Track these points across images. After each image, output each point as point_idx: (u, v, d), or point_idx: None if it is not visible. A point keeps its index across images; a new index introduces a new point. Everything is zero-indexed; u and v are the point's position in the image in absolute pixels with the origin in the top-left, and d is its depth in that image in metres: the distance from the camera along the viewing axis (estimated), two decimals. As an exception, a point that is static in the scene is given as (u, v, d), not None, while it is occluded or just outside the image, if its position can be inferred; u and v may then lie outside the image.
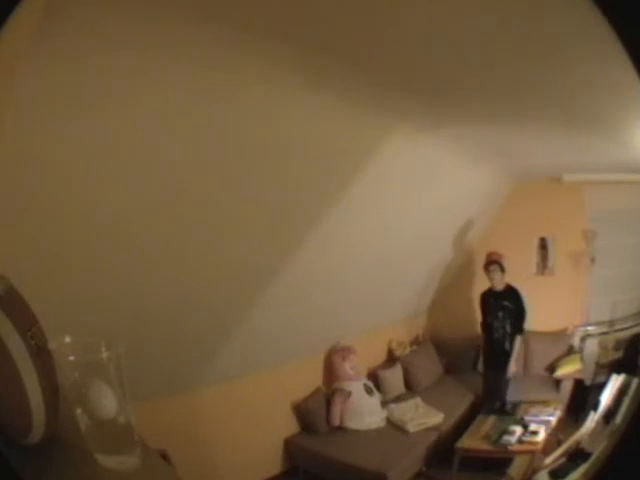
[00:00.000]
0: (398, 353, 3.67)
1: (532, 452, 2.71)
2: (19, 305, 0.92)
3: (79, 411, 0.93)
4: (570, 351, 3.25)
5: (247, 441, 2.85)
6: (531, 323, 3.30)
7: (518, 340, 3.24)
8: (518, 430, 2.85)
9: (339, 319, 3.23)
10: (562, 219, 3.28)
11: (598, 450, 1.72)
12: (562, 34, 1.61)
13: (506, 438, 2.81)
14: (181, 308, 2.31)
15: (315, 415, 3.14)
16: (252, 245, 2.39)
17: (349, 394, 3.22)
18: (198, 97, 1.75)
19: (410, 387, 3.55)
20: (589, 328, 3.20)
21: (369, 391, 3.31)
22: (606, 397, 2.36)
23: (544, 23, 1.55)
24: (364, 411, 3.21)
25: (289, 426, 3.15)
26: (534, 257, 3.45)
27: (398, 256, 3.24)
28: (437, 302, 3.87)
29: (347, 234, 2.81)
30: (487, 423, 3.02)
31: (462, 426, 3.07)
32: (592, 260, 3.17)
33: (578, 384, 3.08)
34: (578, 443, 2.34)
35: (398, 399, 3.41)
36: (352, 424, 3.17)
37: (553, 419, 2.91)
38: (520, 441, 2.79)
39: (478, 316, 3.38)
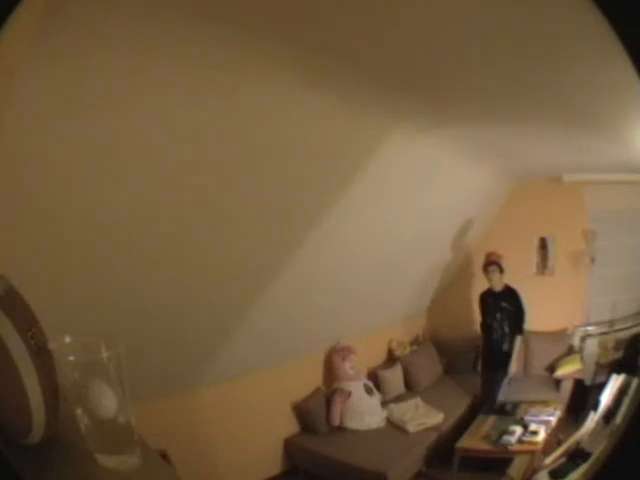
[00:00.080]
0: (398, 353, 3.67)
1: (532, 452, 2.71)
2: (19, 305, 0.92)
3: (79, 411, 0.93)
4: (570, 351, 3.26)
5: (247, 441, 2.85)
6: (531, 323, 3.30)
7: (518, 341, 3.24)
8: (518, 430, 2.85)
9: (339, 319, 3.23)
10: (562, 219, 3.28)
11: (598, 450, 1.72)
12: (562, 34, 1.61)
13: (506, 438, 2.81)
14: (181, 308, 2.31)
15: (315, 415, 3.14)
16: (252, 245, 2.39)
17: (349, 394, 3.22)
18: (198, 97, 1.75)
19: (410, 387, 3.55)
20: (589, 328, 3.20)
21: (369, 391, 3.31)
22: (606, 397, 2.36)
23: (544, 23, 1.56)
24: (364, 411, 3.21)
25: (289, 426, 3.15)
26: (534, 257, 3.45)
27: (398, 256, 3.24)
28: (437, 302, 3.87)
29: (347, 234, 2.81)
30: (487, 423, 3.02)
31: (462, 426, 3.07)
32: (592, 260, 3.17)
33: (578, 384, 3.08)
34: (578, 443, 2.34)
35: (398, 399, 3.41)
36: (352, 424, 3.17)
37: (553, 419, 2.91)
38: (520, 441, 2.79)
39: (478, 316, 3.38)
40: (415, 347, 3.76)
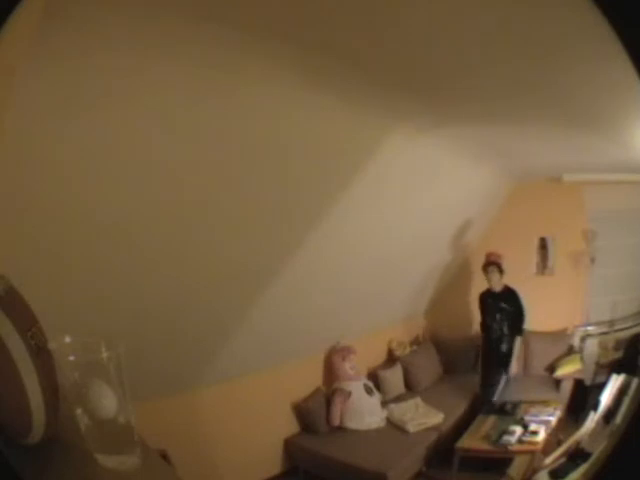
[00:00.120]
0: (398, 353, 3.67)
1: (532, 452, 2.71)
2: (19, 305, 0.92)
3: (79, 411, 0.93)
4: (570, 351, 3.25)
5: (247, 441, 2.85)
6: (531, 323, 3.30)
7: (518, 342, 3.24)
8: (518, 430, 2.85)
9: (339, 319, 3.23)
10: (562, 219, 3.28)
11: (598, 450, 1.72)
12: (562, 34, 1.61)
13: (506, 438, 2.81)
14: (181, 308, 2.31)
15: (315, 415, 3.14)
16: (252, 245, 2.39)
17: (349, 394, 3.22)
18: (198, 97, 1.75)
19: (410, 387, 3.55)
20: (589, 328, 3.20)
21: (369, 391, 3.31)
22: (606, 397, 2.36)
23: (544, 23, 1.56)
24: (364, 411, 3.21)
25: (289, 426, 3.15)
26: (534, 257, 3.45)
27: (398, 256, 3.24)
28: (437, 302, 3.87)
29: (347, 234, 2.81)
30: (487, 423, 3.02)
31: (462, 426, 3.07)
32: (592, 260, 3.17)
33: (578, 384, 3.08)
34: (578, 443, 2.34)
35: (398, 399, 3.41)
36: (352, 424, 3.17)
37: (553, 419, 2.91)
38: (520, 441, 2.79)
39: (478, 316, 3.39)
40: (415, 347, 3.75)
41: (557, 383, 3.20)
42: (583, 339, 3.20)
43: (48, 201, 1.64)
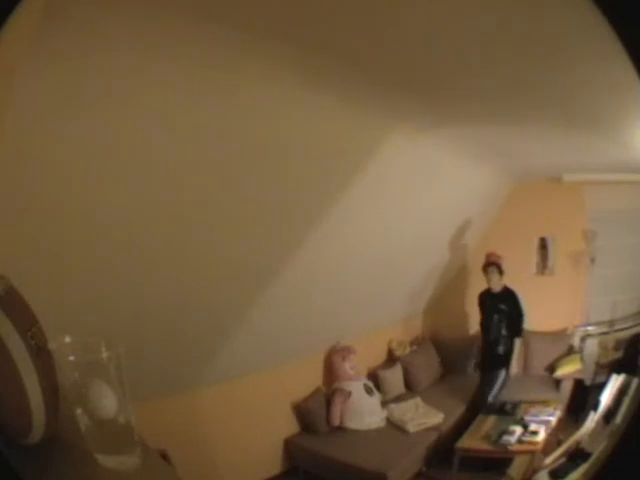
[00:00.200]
0: (398, 353, 3.67)
1: (532, 452, 2.71)
2: (19, 305, 0.92)
3: (79, 411, 0.93)
4: (570, 351, 3.25)
5: (247, 441, 2.85)
6: (531, 323, 3.30)
7: (517, 343, 3.24)
8: (518, 430, 2.85)
9: (339, 319, 3.23)
10: (562, 219, 3.28)
11: (598, 450, 1.72)
12: (562, 34, 1.61)
13: (506, 438, 2.81)
14: (181, 308, 2.31)
15: (315, 415, 3.14)
16: (252, 245, 2.39)
17: (349, 394, 3.22)
18: (198, 97, 1.75)
19: (410, 387, 3.55)
20: (589, 328, 3.20)
21: (369, 391, 3.31)
22: (606, 397, 2.36)
23: (544, 23, 1.56)
24: (364, 411, 3.21)
25: (289, 426, 3.15)
26: (534, 257, 3.45)
27: (398, 256, 3.24)
28: (437, 302, 3.87)
29: (347, 234, 2.81)
30: (487, 423, 3.02)
31: (462, 426, 3.07)
32: (592, 260, 3.17)
33: (578, 384, 3.08)
34: (578, 443, 2.34)
35: (398, 399, 3.41)
36: (352, 424, 3.17)
37: (553, 419, 2.91)
38: (520, 441, 2.79)
39: (477, 316, 3.39)
40: (415, 347, 3.75)
41: (557, 383, 3.20)
42: (583, 339, 3.20)
43: (48, 201, 1.64)
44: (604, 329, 3.09)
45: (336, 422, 3.16)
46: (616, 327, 3.00)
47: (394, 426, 3.18)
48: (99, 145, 1.64)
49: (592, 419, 2.36)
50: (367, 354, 3.51)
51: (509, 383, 3.25)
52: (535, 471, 2.57)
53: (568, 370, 3.18)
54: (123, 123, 1.64)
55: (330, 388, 3.28)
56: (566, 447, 2.44)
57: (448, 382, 3.65)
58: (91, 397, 0.91)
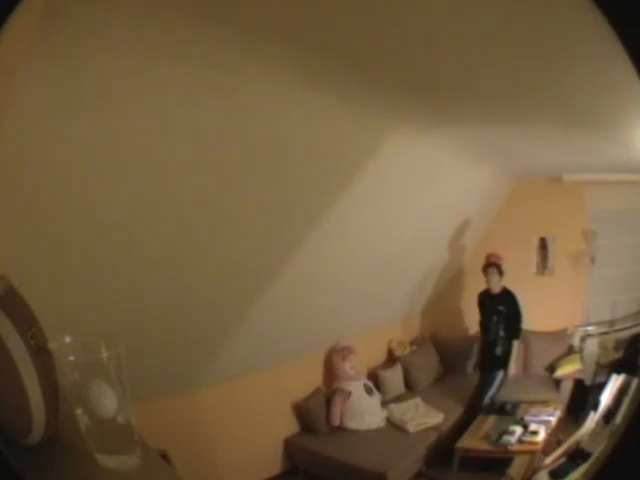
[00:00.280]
0: (398, 353, 3.67)
1: (532, 452, 2.71)
2: (19, 305, 0.92)
3: (79, 411, 0.93)
4: (570, 351, 3.25)
5: (247, 441, 2.85)
6: (531, 323, 3.30)
7: (515, 345, 3.23)
8: (518, 430, 2.85)
9: (339, 319, 3.23)
10: (562, 219, 3.28)
11: (598, 450, 1.72)
12: (562, 34, 1.61)
13: (506, 438, 2.81)
14: (181, 308, 2.31)
15: (315, 415, 3.14)
16: (252, 245, 2.39)
17: (349, 394, 3.22)
18: (198, 97, 1.75)
19: (410, 387, 3.55)
20: (589, 328, 3.20)
21: (369, 391, 3.31)
22: (606, 397, 2.36)
23: (544, 23, 1.56)
24: (364, 411, 3.21)
25: (289, 426, 3.15)
26: (534, 257, 3.45)
27: (398, 256, 3.24)
28: (437, 302, 3.87)
29: (347, 234, 2.81)
30: (487, 423, 3.02)
31: (462, 426, 3.07)
32: (592, 260, 3.17)
33: (578, 384, 3.08)
34: (578, 443, 2.34)
35: (398, 399, 3.41)
36: (352, 424, 3.17)
37: (553, 419, 2.91)
38: (520, 441, 2.79)
39: (477, 316, 3.39)
40: (415, 347, 3.75)
41: (557, 383, 3.20)
42: (583, 339, 3.20)
43: (48, 201, 1.64)
44: (604, 329, 3.09)
45: (336, 422, 3.16)
46: (616, 327, 3.00)
47: (394, 426, 3.17)
48: (99, 145, 1.64)
49: (592, 419, 2.36)
50: (367, 354, 3.50)
51: (506, 384, 3.25)
52: (535, 471, 2.57)
53: (568, 370, 3.18)
54: (123, 123, 1.64)
55: (330, 388, 3.28)
56: (566, 447, 2.44)
57: (448, 382, 3.65)
58: (91, 397, 0.91)
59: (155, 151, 1.79)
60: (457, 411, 3.27)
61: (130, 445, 0.95)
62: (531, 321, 3.28)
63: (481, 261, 3.34)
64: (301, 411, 3.16)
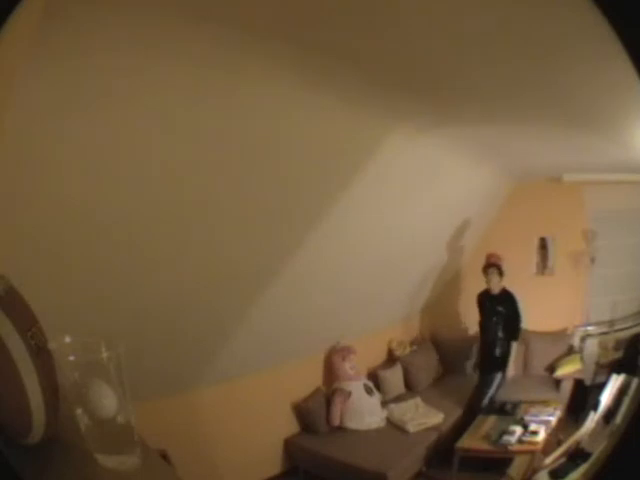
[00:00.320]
0: (398, 353, 3.67)
1: (532, 452, 2.71)
2: (19, 305, 0.92)
3: (79, 411, 0.93)
4: (570, 351, 3.26)
5: (247, 441, 2.85)
6: (531, 323, 3.30)
7: (514, 347, 3.22)
8: (518, 430, 2.85)
9: (339, 319, 3.23)
10: (562, 219, 3.28)
11: (598, 450, 1.72)
12: (562, 34, 1.61)
13: (506, 438, 2.81)
14: (181, 308, 2.31)
15: (315, 415, 3.14)
16: (252, 245, 2.39)
17: (349, 394, 3.22)
18: (198, 97, 1.75)
19: (410, 387, 3.55)
20: (589, 328, 3.20)
21: (369, 391, 3.31)
22: (606, 397, 2.36)
23: (544, 23, 1.56)
24: (364, 411, 3.21)
25: (289, 426, 3.15)
26: (534, 257, 3.45)
27: (398, 256, 3.24)
28: (437, 302, 3.87)
29: (347, 234, 2.81)
30: (487, 423, 3.02)
31: (462, 426, 3.07)
32: (592, 260, 3.17)
33: (578, 384, 3.08)
34: (578, 443, 2.34)
35: (398, 399, 3.41)
36: (352, 424, 3.17)
37: (553, 419, 2.91)
38: (520, 441, 2.79)
39: (477, 316, 3.39)
40: (415, 347, 3.75)
41: (557, 383, 3.21)
42: (583, 339, 3.20)
43: (48, 201, 1.64)
44: (604, 329, 3.09)
45: (336, 422, 3.16)
46: (616, 327, 3.00)
47: (394, 426, 3.18)
48: (99, 145, 1.64)
49: (592, 419, 2.36)
50: (367, 354, 3.51)
51: (504, 385, 3.24)
52: (535, 471, 2.57)
53: (568, 370, 3.18)
54: (123, 123, 1.64)
55: (330, 388, 3.28)
56: (566, 447, 2.44)
57: (448, 382, 3.65)
58: (91, 397, 0.91)
59: (155, 151, 1.79)
60: (457, 411, 3.27)
61: (130, 445, 0.95)
62: (531, 321, 3.28)
63: (481, 261, 3.34)
64: (301, 411, 3.16)
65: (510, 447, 2.77)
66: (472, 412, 3.18)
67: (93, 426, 0.92)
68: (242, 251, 2.37)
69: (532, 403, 3.09)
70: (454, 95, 2.19)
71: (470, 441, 2.90)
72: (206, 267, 2.28)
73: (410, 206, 3.10)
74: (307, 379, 3.28)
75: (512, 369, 3.24)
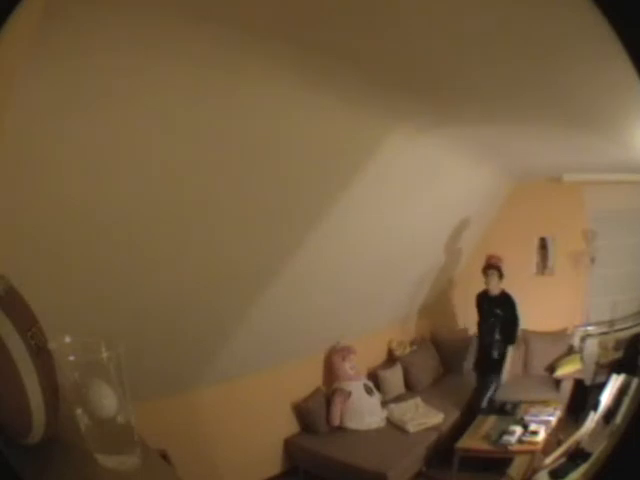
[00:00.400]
0: (398, 353, 3.67)
1: (532, 452, 2.71)
2: (19, 305, 0.92)
3: (79, 411, 0.92)
4: (570, 351, 3.26)
5: (247, 441, 2.85)
6: (531, 323, 3.30)
7: (510, 350, 3.21)
8: (518, 430, 2.85)
9: (339, 319, 3.23)
10: (562, 219, 3.28)
11: (598, 450, 1.72)
12: (562, 34, 1.61)
13: (506, 438, 2.81)
14: (181, 308, 2.31)
15: (315, 415, 3.14)
16: (252, 245, 2.39)
17: (349, 394, 3.22)
18: (198, 97, 1.75)
19: (410, 387, 3.55)
20: (589, 328, 3.20)
21: (369, 391, 3.31)
22: (606, 397, 2.36)
23: (544, 23, 1.56)
24: (364, 411, 3.21)
25: (289, 426, 3.15)
26: (534, 257, 3.45)
27: (398, 256, 3.24)
28: (436, 302, 3.87)
29: (347, 234, 2.81)
30: (487, 423, 3.02)
31: (462, 426, 3.07)
32: (592, 260, 3.17)
33: (578, 384, 3.08)
34: (578, 443, 2.35)
35: (398, 399, 3.41)
36: (352, 424, 3.17)
37: (553, 419, 2.91)
38: (520, 441, 2.79)
39: (476, 316, 3.38)
40: (415, 347, 3.75)
41: (557, 383, 3.21)
42: (583, 339, 3.20)
43: (48, 201, 1.64)
44: (604, 329, 3.09)
45: (336, 422, 3.16)
46: (616, 327, 3.00)
47: (394, 426, 3.18)
48: (99, 145, 1.64)
49: (592, 419, 2.36)
50: (367, 354, 3.51)
51: (502, 387, 3.24)
52: (535, 471, 2.57)
53: (568, 370, 3.18)
54: (123, 123, 1.64)
55: (330, 388, 3.28)
56: (566, 447, 2.44)
57: (448, 382, 3.65)
58: (91, 397, 0.91)
59: (155, 151, 1.79)
60: (457, 411, 3.27)
61: (130, 445, 0.95)
62: (531, 321, 3.28)
63: (481, 261, 3.34)
64: (301, 411, 3.17)
65: (510, 447, 2.77)
66: (471, 413, 3.18)
67: (93, 426, 0.92)
68: (242, 251, 2.37)
69: (532, 403, 3.09)
70: (454, 95, 2.19)
71: (470, 441, 2.90)
72: (206, 267, 2.28)
73: (410, 206, 3.10)
74: (307, 379, 3.28)
75: (507, 374, 3.22)
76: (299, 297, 2.87)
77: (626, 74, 0.76)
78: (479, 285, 3.33)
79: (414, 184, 2.97)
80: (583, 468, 2.02)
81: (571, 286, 3.28)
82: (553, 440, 2.74)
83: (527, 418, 2.95)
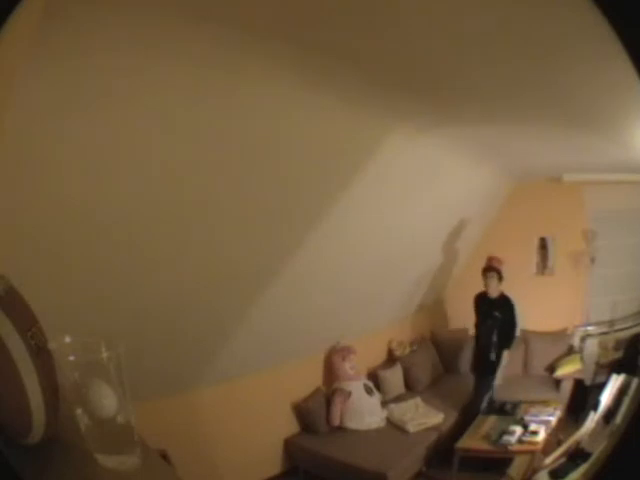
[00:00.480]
0: (398, 353, 3.67)
1: (532, 452, 2.71)
2: (19, 305, 0.92)
3: (79, 411, 0.92)
4: (570, 351, 3.26)
5: (247, 441, 2.85)
6: (531, 323, 3.30)
7: (505, 354, 3.20)
8: (518, 430, 2.85)
9: (339, 319, 3.23)
10: (562, 219, 3.28)
11: (598, 450, 1.72)
12: (562, 34, 1.61)
13: (506, 438, 2.81)
14: (181, 308, 2.31)
15: (315, 415, 3.14)
16: (252, 245, 2.39)
17: (349, 394, 3.22)
18: (198, 97, 1.75)
19: (410, 387, 3.56)
20: (589, 328, 3.20)
21: (369, 391, 3.31)
22: (606, 397, 2.36)
23: (544, 23, 1.55)
24: (364, 411, 3.21)
25: (289, 426, 3.15)
26: (534, 257, 3.45)
27: (398, 256, 3.24)
28: (437, 302, 3.88)
29: (347, 234, 2.81)
30: (487, 423, 3.02)
31: (462, 426, 3.07)
32: (592, 260, 3.17)
33: (578, 384, 3.09)
34: (578, 443, 2.35)
35: (398, 399, 3.41)
36: (352, 424, 3.17)
37: (553, 419, 2.92)
38: (520, 441, 2.80)
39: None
40: (415, 347, 3.76)
41: (557, 383, 3.21)
42: (583, 339, 3.20)
43: (48, 201, 1.64)
44: (604, 329, 3.10)
45: (336, 422, 3.16)
46: (616, 327, 3.00)
47: (394, 426, 3.18)
48: (99, 145, 1.64)
49: (592, 419, 2.36)
50: (367, 354, 3.51)
51: (500, 388, 3.23)
52: (535, 471, 2.57)
53: (568, 370, 3.18)
54: (123, 123, 1.64)
55: (330, 388, 3.28)
56: (566, 447, 2.44)
57: (448, 382, 3.65)
58: (91, 397, 0.91)
59: (155, 151, 1.79)
60: (457, 411, 3.27)
61: (130, 445, 0.95)
62: (531, 321, 3.29)
63: (481, 261, 3.34)
64: (301, 411, 3.17)
65: (510, 447, 2.77)
66: (471, 413, 3.18)
67: (93, 426, 0.92)
68: (242, 251, 2.37)
69: (532, 403, 3.09)
70: (454, 95, 2.20)
71: (470, 441, 2.90)
72: (206, 267, 2.28)
73: (410, 206, 3.10)
74: (307, 379, 3.28)
75: (500, 378, 3.21)
76: (299, 297, 2.87)
77: (626, 74, 0.76)
78: (479, 285, 3.33)
79: (414, 184, 2.97)
80: (583, 468, 2.02)
81: (571, 286, 3.28)
82: (553, 440, 2.74)
83: (527, 418, 2.95)
